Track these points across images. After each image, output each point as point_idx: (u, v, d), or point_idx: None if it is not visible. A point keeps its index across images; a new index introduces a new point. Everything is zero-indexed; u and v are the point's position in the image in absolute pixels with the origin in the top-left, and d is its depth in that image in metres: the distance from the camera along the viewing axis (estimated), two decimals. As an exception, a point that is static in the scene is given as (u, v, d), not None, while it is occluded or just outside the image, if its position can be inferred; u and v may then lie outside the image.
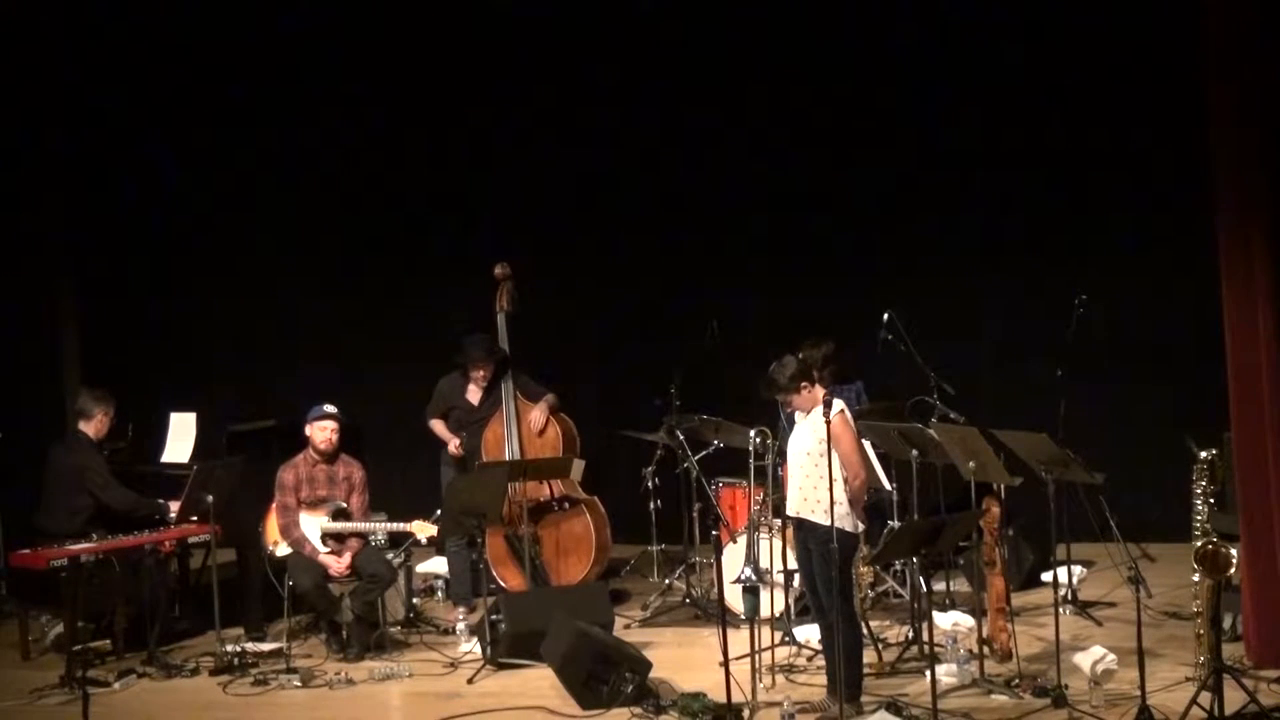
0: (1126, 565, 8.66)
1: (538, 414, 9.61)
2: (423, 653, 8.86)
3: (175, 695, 8.30)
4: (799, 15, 10.81)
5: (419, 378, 10.39)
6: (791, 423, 7.55)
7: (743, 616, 7.94)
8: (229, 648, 8.63)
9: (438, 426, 9.83)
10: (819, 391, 7.18)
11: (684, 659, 8.36)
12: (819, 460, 7.10)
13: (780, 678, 7.88)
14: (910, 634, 8.23)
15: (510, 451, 9.52)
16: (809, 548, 7.27)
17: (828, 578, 7.08)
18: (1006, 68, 10.51)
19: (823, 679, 7.49)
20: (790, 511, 7.37)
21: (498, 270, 9.70)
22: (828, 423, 6.94)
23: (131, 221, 12.04)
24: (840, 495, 7.02)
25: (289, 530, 8.96)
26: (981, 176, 10.58)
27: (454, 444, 9.69)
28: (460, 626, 9.11)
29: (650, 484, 9.79)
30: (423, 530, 8.96)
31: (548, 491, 9.59)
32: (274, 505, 9.07)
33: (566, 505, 9.60)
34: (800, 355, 7.45)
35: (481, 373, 9.66)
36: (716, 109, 11.08)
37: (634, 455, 10.05)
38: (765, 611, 8.27)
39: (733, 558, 8.41)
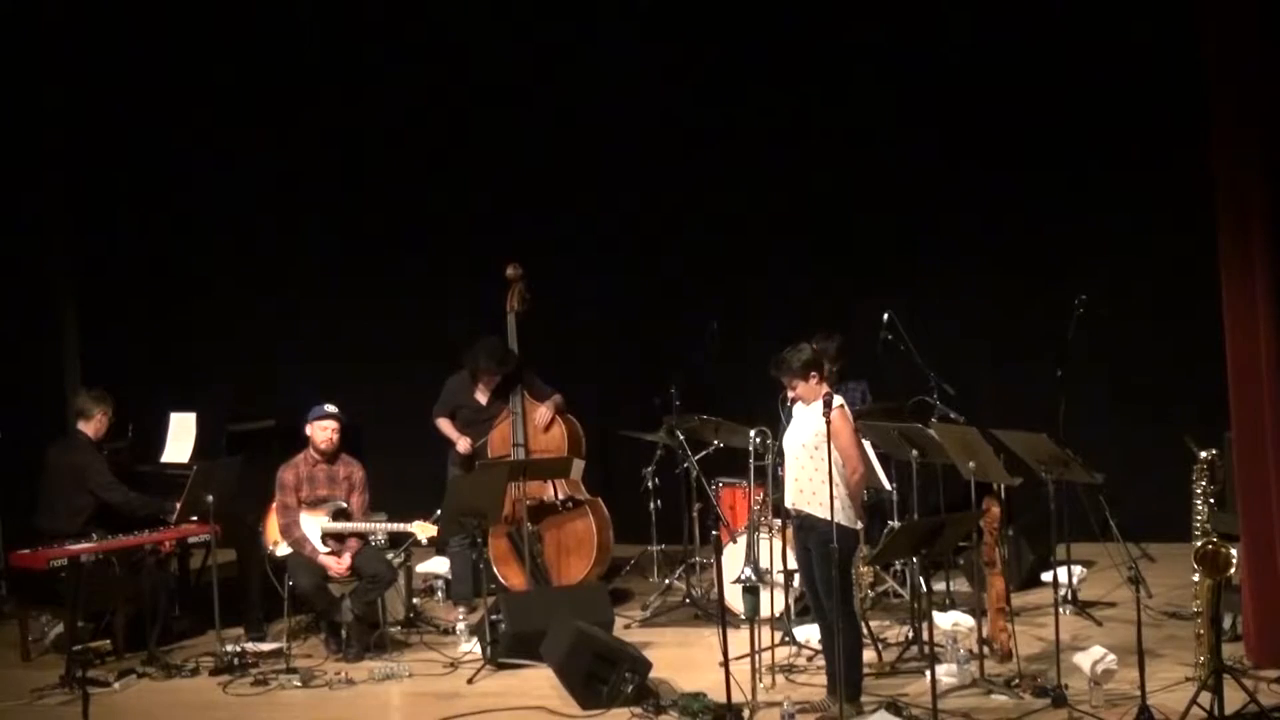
0: (1126, 565, 8.67)
1: (544, 411, 9.62)
2: (423, 653, 8.86)
3: (175, 695, 8.30)
4: (801, 16, 10.82)
5: (420, 377, 10.40)
6: (790, 418, 7.54)
7: (743, 616, 7.94)
8: (229, 648, 8.63)
9: (445, 425, 9.83)
10: (823, 387, 7.19)
11: (684, 659, 8.36)
12: (814, 453, 7.11)
13: (780, 678, 7.88)
14: (910, 634, 8.23)
15: (516, 450, 9.52)
16: (808, 548, 7.27)
17: (828, 578, 7.08)
18: (1007, 68, 10.51)
19: (823, 679, 7.49)
20: (787, 504, 7.38)
21: (509, 271, 9.70)
22: (828, 422, 6.94)
23: (131, 221, 12.05)
24: (838, 491, 7.03)
25: (289, 530, 8.96)
26: (982, 176, 10.58)
27: (463, 444, 9.69)
28: (460, 626, 9.11)
29: (650, 484, 9.79)
30: (423, 530, 8.96)
31: (551, 491, 9.59)
32: (274, 505, 9.07)
33: (570, 505, 9.60)
34: (814, 348, 7.46)
35: (490, 378, 9.70)
36: (719, 111, 11.08)
37: (634, 455, 10.05)
38: (765, 611, 8.27)
39: (733, 558, 8.41)
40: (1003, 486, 8.02)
